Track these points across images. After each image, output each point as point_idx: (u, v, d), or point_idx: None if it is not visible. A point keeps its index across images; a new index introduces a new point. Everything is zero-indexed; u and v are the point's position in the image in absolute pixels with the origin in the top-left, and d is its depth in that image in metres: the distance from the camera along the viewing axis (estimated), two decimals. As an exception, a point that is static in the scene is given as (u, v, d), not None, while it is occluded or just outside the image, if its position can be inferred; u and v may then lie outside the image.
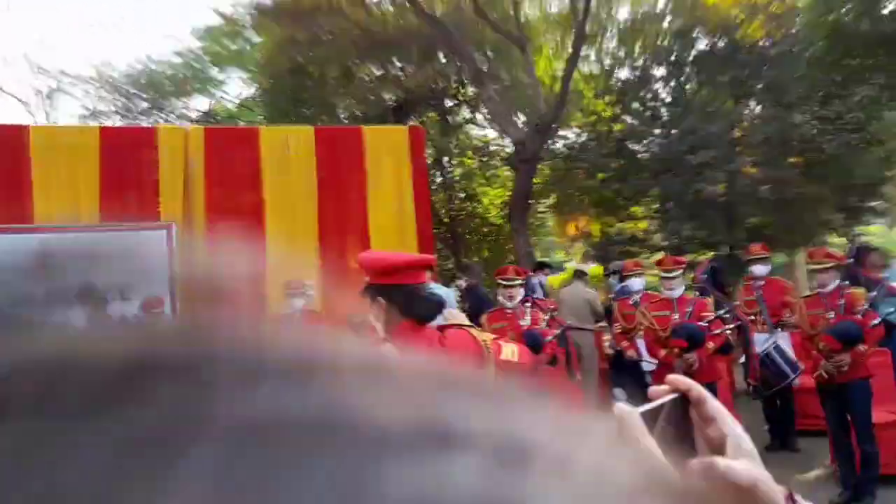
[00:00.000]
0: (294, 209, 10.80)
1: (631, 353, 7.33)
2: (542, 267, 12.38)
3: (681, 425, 0.75)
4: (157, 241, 7.22)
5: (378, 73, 15.04)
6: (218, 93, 17.89)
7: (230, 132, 12.76)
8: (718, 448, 0.74)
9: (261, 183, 10.77)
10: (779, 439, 6.95)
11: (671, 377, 0.78)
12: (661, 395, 0.76)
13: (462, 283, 10.64)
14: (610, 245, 14.44)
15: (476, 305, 8.79)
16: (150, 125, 14.70)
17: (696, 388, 0.77)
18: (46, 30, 43.63)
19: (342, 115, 15.87)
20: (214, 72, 17.37)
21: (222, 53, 16.61)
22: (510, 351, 3.01)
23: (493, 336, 3.21)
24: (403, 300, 2.74)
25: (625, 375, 8.14)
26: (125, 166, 9.34)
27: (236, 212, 11.18)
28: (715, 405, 0.77)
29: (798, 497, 0.75)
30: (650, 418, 0.70)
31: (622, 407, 0.67)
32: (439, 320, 3.04)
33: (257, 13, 13.47)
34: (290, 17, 13.03)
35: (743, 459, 0.73)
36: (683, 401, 0.76)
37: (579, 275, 12.07)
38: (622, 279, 8.86)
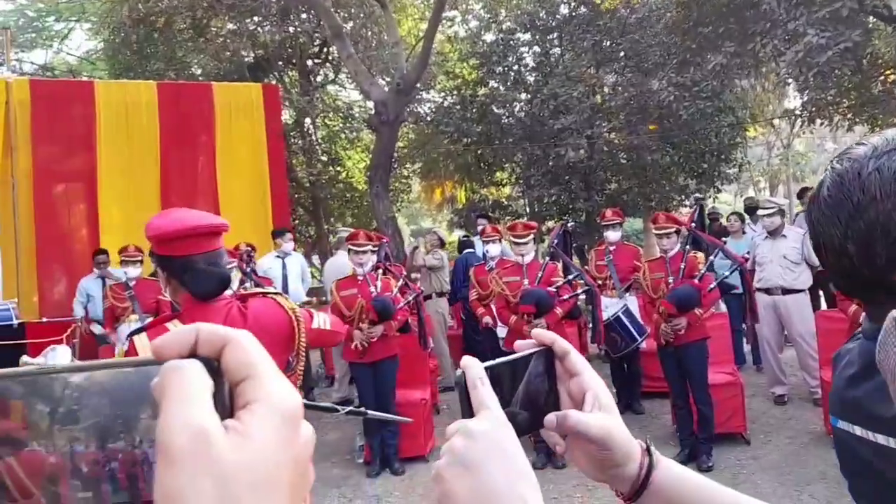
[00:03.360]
0: (132, 171, 10.02)
1: (487, 319, 7.18)
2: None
3: (547, 378, 0.77)
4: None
5: (232, 27, 14.18)
6: (57, 45, 16.41)
7: (61, 85, 11.72)
8: (579, 401, 0.77)
9: (95, 142, 9.93)
10: (624, 402, 7.01)
11: (536, 331, 0.78)
12: (526, 348, 0.77)
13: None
14: (473, 212, 14.34)
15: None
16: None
17: (560, 342, 0.78)
18: None
19: (197, 72, 14.94)
20: (51, 21, 15.89)
21: (60, 2, 15.17)
22: (321, 320, 2.85)
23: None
24: (180, 273, 2.40)
25: (480, 342, 8.03)
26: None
27: (67, 173, 10.28)
28: (577, 359, 0.78)
29: (654, 449, 0.80)
30: (513, 369, 0.74)
31: (468, 359, 0.69)
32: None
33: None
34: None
35: (599, 413, 0.75)
36: (549, 354, 0.78)
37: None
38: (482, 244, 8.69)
